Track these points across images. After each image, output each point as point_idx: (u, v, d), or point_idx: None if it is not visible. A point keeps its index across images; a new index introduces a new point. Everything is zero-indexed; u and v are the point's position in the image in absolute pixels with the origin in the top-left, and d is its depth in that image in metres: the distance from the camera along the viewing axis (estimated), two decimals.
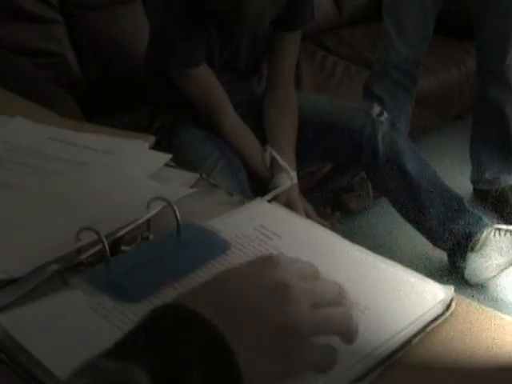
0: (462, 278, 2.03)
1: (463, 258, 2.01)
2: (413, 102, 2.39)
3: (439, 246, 2.07)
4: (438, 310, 0.63)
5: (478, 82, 2.33)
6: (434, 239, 2.04)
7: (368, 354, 0.57)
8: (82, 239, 0.69)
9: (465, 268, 2.01)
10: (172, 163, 0.91)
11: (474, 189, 2.49)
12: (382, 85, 2.31)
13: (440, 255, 2.14)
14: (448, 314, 0.64)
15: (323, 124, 1.89)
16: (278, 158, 1.71)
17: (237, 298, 0.50)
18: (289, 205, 1.64)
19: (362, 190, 2.43)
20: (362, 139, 1.90)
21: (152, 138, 0.96)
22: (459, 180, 2.51)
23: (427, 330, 0.62)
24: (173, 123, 1.78)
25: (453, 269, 2.07)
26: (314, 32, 2.89)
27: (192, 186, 0.86)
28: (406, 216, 2.02)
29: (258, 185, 1.74)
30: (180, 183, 0.86)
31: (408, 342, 0.60)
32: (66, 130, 0.98)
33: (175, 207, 0.71)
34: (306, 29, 2.86)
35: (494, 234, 1.99)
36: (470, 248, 1.99)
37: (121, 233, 0.72)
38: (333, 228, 1.73)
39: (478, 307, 0.66)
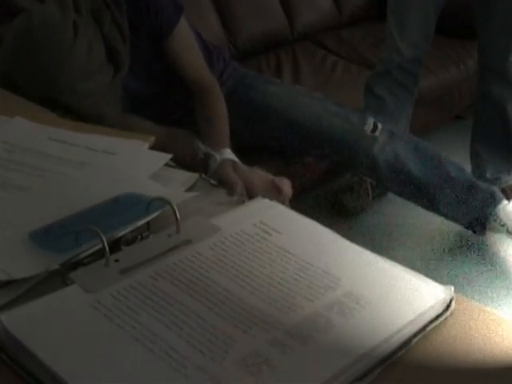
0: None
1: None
2: (413, 101, 2.38)
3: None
4: (438, 309, 0.63)
5: (480, 81, 2.33)
6: (450, 220, 2.10)
7: (368, 353, 0.57)
8: (82, 239, 0.69)
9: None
10: (172, 163, 0.91)
11: None
12: (384, 84, 2.31)
13: (440, 256, 2.14)
14: (448, 313, 0.64)
15: (314, 130, 1.90)
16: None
17: None
18: (223, 180, 1.56)
19: (361, 190, 2.43)
20: (357, 153, 1.92)
21: (152, 138, 0.96)
22: None
23: (427, 329, 0.62)
24: None
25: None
26: (314, 32, 2.89)
27: (191, 186, 0.86)
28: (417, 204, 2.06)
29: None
30: (180, 183, 0.86)
31: (408, 342, 0.60)
32: (66, 130, 0.98)
33: (176, 208, 0.71)
34: (306, 29, 2.89)
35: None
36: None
37: (121, 233, 0.72)
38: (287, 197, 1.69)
39: (478, 307, 0.66)
